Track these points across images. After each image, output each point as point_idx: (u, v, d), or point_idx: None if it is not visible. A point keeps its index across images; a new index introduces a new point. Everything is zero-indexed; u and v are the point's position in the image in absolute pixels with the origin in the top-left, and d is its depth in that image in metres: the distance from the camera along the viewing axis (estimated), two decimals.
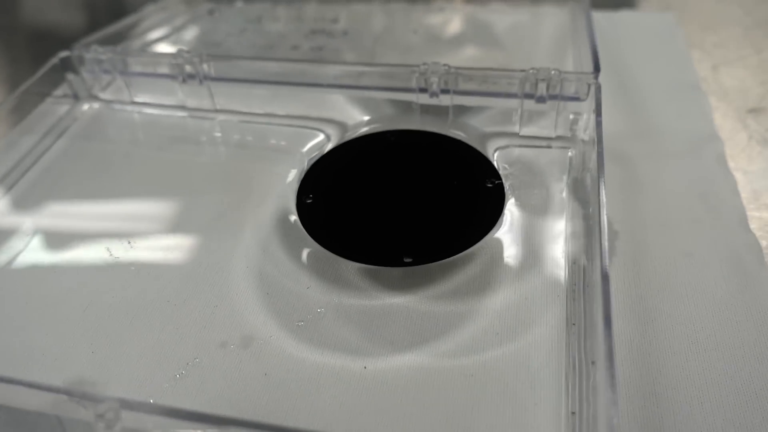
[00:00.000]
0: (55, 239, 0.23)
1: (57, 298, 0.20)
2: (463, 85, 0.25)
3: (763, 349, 0.18)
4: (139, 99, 0.30)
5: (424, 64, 0.25)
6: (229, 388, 0.17)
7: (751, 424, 0.16)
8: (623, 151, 0.25)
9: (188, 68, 0.27)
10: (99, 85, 0.30)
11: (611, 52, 0.32)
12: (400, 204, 0.22)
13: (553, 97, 0.24)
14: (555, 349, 0.18)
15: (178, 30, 0.37)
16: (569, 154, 0.25)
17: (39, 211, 0.24)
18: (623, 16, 0.37)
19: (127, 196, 0.25)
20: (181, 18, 0.38)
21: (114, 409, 0.14)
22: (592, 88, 0.23)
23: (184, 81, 0.28)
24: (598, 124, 0.21)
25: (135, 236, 0.23)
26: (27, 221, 0.24)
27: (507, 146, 0.25)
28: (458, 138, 0.24)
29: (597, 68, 0.24)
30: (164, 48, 0.35)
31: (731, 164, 0.25)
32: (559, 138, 0.25)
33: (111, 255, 0.22)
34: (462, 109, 0.26)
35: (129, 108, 0.30)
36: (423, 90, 0.25)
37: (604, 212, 0.18)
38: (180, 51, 0.27)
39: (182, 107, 0.29)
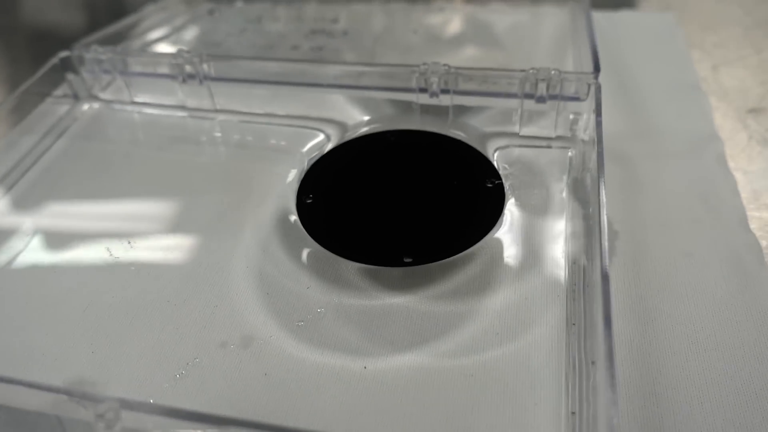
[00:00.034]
0: (55, 239, 0.23)
1: (57, 298, 0.20)
2: (463, 85, 0.25)
3: (763, 349, 0.18)
4: (139, 99, 0.30)
5: (424, 64, 0.25)
6: (229, 388, 0.17)
7: (751, 424, 0.16)
8: (623, 151, 0.25)
9: (188, 68, 0.27)
10: (99, 85, 0.30)
11: (611, 52, 0.32)
12: (400, 204, 0.22)
13: (553, 97, 0.24)
14: (555, 349, 0.18)
15: (178, 30, 0.37)
16: (569, 154, 0.25)
17: (39, 211, 0.24)
18: (623, 16, 0.37)
19: (127, 196, 0.25)
20: (181, 18, 0.38)
21: (114, 409, 0.14)
22: (592, 88, 0.23)
23: (184, 81, 0.28)
24: (598, 124, 0.21)
25: (135, 236, 0.23)
26: (27, 221, 0.24)
27: (507, 146, 0.25)
28: (458, 138, 0.24)
29: (597, 68, 0.24)
30: (164, 48, 0.35)
31: (731, 164, 0.25)
32: (559, 138, 0.25)
33: (111, 255, 0.22)
34: (462, 109, 0.26)
35: (129, 108, 0.30)
36: (423, 90, 0.25)
37: (605, 212, 0.18)
38: (180, 51, 0.27)
39: (182, 107, 0.29)
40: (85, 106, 0.30)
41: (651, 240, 0.22)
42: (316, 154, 0.25)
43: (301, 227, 0.21)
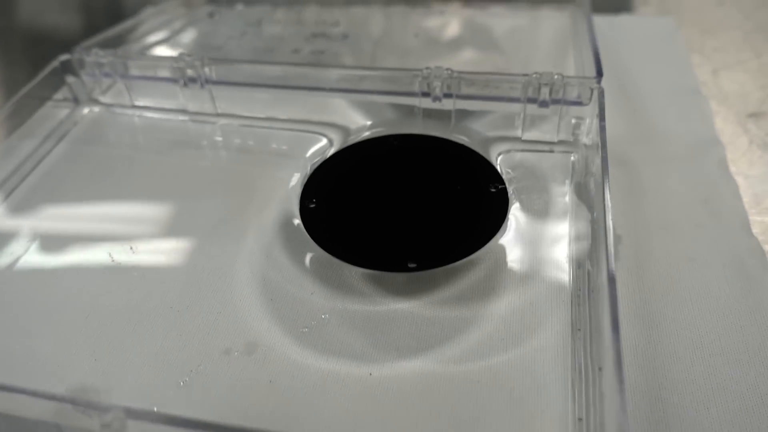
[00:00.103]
0: (56, 244, 0.23)
1: (58, 304, 0.20)
2: (466, 90, 0.25)
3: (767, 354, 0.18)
4: (139, 102, 0.29)
5: (427, 68, 0.25)
6: (233, 395, 0.17)
7: (758, 429, 0.16)
8: (625, 155, 0.25)
9: (189, 72, 0.27)
10: (99, 88, 0.30)
11: (611, 56, 0.32)
12: (404, 209, 0.22)
13: (556, 102, 0.24)
14: (560, 354, 0.18)
15: (178, 33, 0.37)
16: (572, 158, 0.25)
17: (39, 215, 0.24)
18: (623, 20, 0.37)
19: (128, 200, 0.25)
20: (181, 21, 0.38)
21: (120, 419, 0.14)
22: (595, 93, 0.23)
23: (185, 84, 0.28)
24: (602, 128, 0.21)
25: (137, 241, 0.23)
26: (27, 226, 0.24)
27: (509, 150, 0.25)
28: (461, 142, 0.24)
29: (600, 73, 0.24)
30: (165, 51, 0.35)
31: (732, 168, 0.25)
32: (561, 142, 0.25)
33: (113, 260, 0.22)
34: (464, 114, 0.26)
35: (129, 112, 0.29)
36: (426, 94, 0.25)
37: (610, 216, 0.18)
38: (181, 54, 0.27)
39: (183, 111, 0.29)
40: (86, 110, 0.30)
41: (654, 244, 0.22)
42: (318, 159, 0.25)
43: (305, 232, 0.21)
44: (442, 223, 0.21)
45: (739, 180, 0.24)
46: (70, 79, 0.29)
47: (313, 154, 0.26)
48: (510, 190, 0.22)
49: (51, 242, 0.23)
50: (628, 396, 0.17)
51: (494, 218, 0.21)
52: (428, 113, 0.26)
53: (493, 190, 0.22)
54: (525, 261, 0.21)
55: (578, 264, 0.20)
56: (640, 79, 0.30)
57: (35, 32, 0.44)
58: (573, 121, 0.25)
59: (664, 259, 0.21)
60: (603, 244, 0.17)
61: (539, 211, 0.22)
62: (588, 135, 0.24)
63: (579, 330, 0.18)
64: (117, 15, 0.44)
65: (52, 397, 0.16)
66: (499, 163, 0.24)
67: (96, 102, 0.30)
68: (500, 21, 0.36)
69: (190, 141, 0.28)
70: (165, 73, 0.28)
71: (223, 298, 0.20)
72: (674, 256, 0.21)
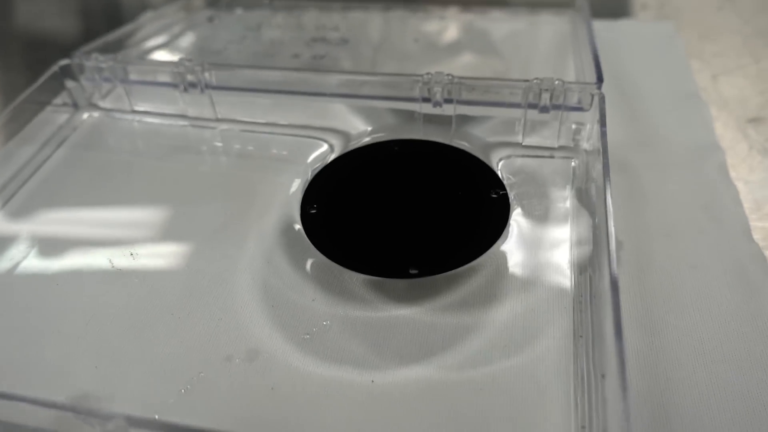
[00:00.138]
0: (56, 251, 0.23)
1: (58, 310, 0.20)
2: (467, 95, 0.25)
3: None
4: (139, 108, 0.29)
5: (428, 73, 0.25)
6: (235, 402, 0.17)
7: None
8: (625, 160, 0.25)
9: (190, 77, 0.27)
10: (99, 93, 0.30)
11: (611, 62, 0.32)
12: (405, 214, 0.22)
13: (557, 107, 0.24)
14: (563, 361, 0.18)
15: (177, 37, 0.37)
16: (572, 164, 0.25)
17: (38, 221, 0.24)
18: (622, 25, 0.37)
19: (128, 206, 0.25)
20: (181, 25, 0.38)
21: (121, 427, 0.14)
22: (596, 98, 0.23)
23: (185, 90, 0.28)
24: (603, 134, 0.21)
25: (137, 247, 0.22)
26: (26, 232, 0.23)
27: (510, 156, 0.25)
28: (462, 148, 0.24)
29: (600, 78, 0.24)
30: (164, 56, 0.35)
31: (733, 174, 0.25)
32: (561, 148, 0.25)
33: (113, 266, 0.22)
34: (464, 119, 0.26)
35: (129, 117, 0.29)
36: (426, 99, 0.25)
37: (612, 222, 0.18)
38: (181, 59, 0.27)
39: (183, 116, 0.29)
40: (85, 115, 0.30)
41: (655, 250, 0.22)
42: (319, 164, 0.25)
43: (306, 238, 0.21)
44: (444, 229, 0.21)
45: (740, 185, 0.24)
46: (69, 84, 0.29)
47: (314, 159, 0.26)
48: (511, 195, 0.22)
49: (50, 248, 0.23)
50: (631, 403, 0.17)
51: (495, 224, 0.21)
52: (429, 119, 0.26)
53: (494, 195, 0.22)
54: (526, 267, 0.21)
55: (580, 270, 0.20)
56: (640, 85, 0.30)
57: (33, 37, 0.44)
58: (573, 126, 0.25)
59: (665, 265, 0.21)
60: (605, 250, 0.17)
61: (540, 217, 0.22)
62: (588, 140, 0.25)
63: (581, 336, 0.18)
64: (115, 19, 0.44)
65: (52, 405, 0.15)
66: (499, 168, 0.24)
67: (95, 107, 0.30)
68: (499, 26, 0.36)
69: (190, 146, 0.28)
70: (165, 78, 0.28)
71: (224, 304, 0.20)
72: (675, 262, 0.21)
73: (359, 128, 0.27)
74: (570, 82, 0.24)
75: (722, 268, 0.21)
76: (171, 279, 0.21)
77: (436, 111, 0.26)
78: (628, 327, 0.19)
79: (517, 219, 0.22)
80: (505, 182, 0.23)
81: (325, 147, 0.26)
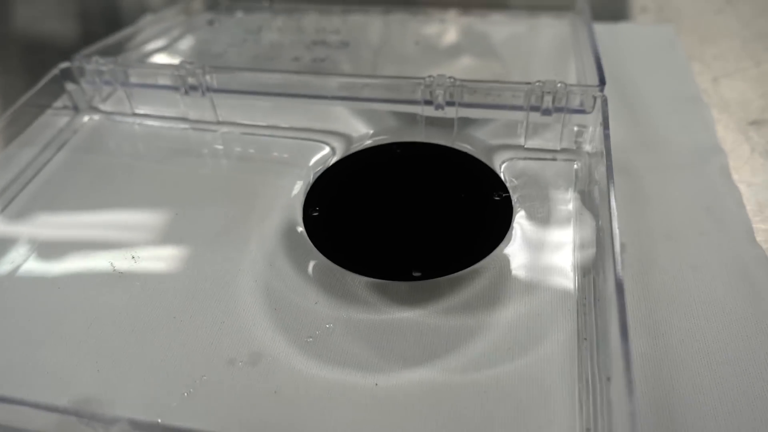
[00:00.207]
0: (57, 254, 0.22)
1: (60, 314, 0.20)
2: (469, 98, 0.25)
3: None
4: (140, 110, 0.29)
5: (430, 76, 0.25)
6: (238, 406, 0.17)
7: None
8: (627, 163, 0.25)
9: (191, 80, 0.27)
10: (99, 96, 0.30)
11: (612, 64, 0.32)
12: (408, 217, 0.22)
13: (559, 110, 0.24)
14: (567, 364, 0.18)
15: (178, 40, 0.37)
16: (575, 166, 0.25)
17: (39, 224, 0.24)
18: (622, 28, 0.37)
19: (129, 209, 0.25)
20: (181, 28, 0.38)
21: (125, 431, 0.14)
22: (598, 101, 0.23)
23: (186, 92, 0.27)
24: (606, 137, 0.21)
25: (138, 250, 0.22)
26: (27, 235, 0.23)
27: (512, 158, 0.25)
28: (464, 150, 0.24)
29: (602, 81, 0.24)
30: (165, 59, 0.35)
31: (735, 176, 0.25)
32: (564, 150, 0.25)
33: (114, 270, 0.22)
34: (466, 122, 0.26)
35: (130, 120, 0.29)
36: (428, 102, 0.25)
37: (616, 224, 0.18)
38: (182, 62, 0.27)
39: (184, 119, 0.29)
40: (86, 118, 0.30)
41: (658, 253, 0.22)
42: (320, 167, 0.25)
43: (308, 240, 0.21)
44: (447, 231, 0.21)
45: (742, 188, 0.24)
46: (69, 86, 0.29)
47: (316, 162, 0.26)
48: (514, 198, 0.22)
49: (51, 251, 0.23)
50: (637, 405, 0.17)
51: (499, 227, 0.21)
52: (431, 121, 0.26)
53: (497, 198, 0.22)
54: (530, 269, 0.21)
55: (583, 272, 0.20)
56: (641, 87, 0.30)
57: (32, 39, 0.44)
58: (575, 129, 0.25)
59: (668, 267, 0.21)
60: (609, 252, 0.17)
61: (543, 220, 0.22)
62: (591, 143, 0.25)
63: (585, 339, 0.18)
64: (114, 23, 0.44)
65: (55, 409, 0.15)
66: (502, 171, 0.24)
67: (96, 110, 0.30)
68: (500, 29, 0.37)
69: (191, 149, 0.28)
70: (166, 80, 0.28)
71: (227, 307, 0.20)
72: (679, 265, 0.21)
73: (361, 131, 0.27)
74: (572, 85, 0.24)
75: (726, 270, 0.21)
76: (173, 282, 0.21)
77: (438, 114, 0.26)
78: (631, 329, 0.19)
79: (520, 221, 0.22)
80: (507, 185, 0.23)
81: (326, 150, 0.26)
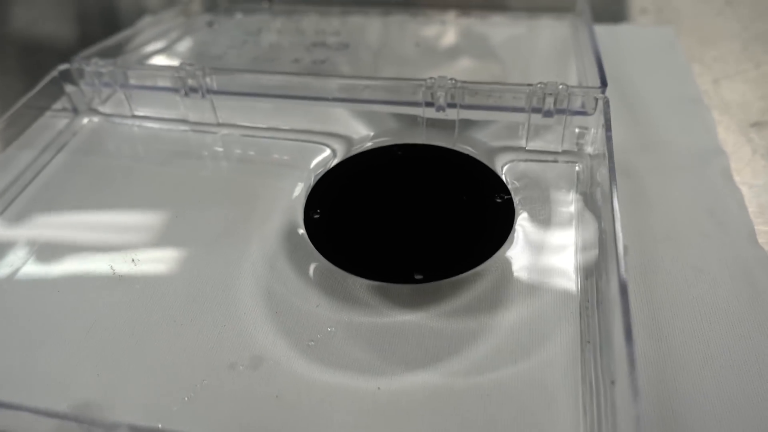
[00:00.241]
0: (56, 257, 0.22)
1: (59, 317, 0.20)
2: (470, 99, 0.25)
3: None
4: (139, 112, 0.29)
5: (431, 78, 0.25)
6: (239, 411, 0.17)
7: None
8: (628, 164, 0.25)
9: (191, 81, 0.27)
10: (99, 98, 0.29)
11: (612, 66, 0.32)
12: (410, 219, 0.21)
13: (561, 112, 0.24)
14: (570, 367, 0.18)
15: (177, 42, 0.37)
16: (576, 168, 0.24)
17: (38, 227, 0.24)
18: (622, 29, 0.37)
19: (129, 212, 0.24)
20: (180, 30, 0.38)
21: None
22: (600, 103, 0.23)
23: (186, 94, 0.27)
24: (609, 138, 0.21)
25: (138, 253, 0.22)
26: (26, 238, 0.23)
27: (514, 160, 0.25)
28: (466, 152, 0.24)
29: (604, 82, 0.24)
30: (164, 60, 0.35)
31: (737, 178, 0.25)
32: (565, 152, 0.25)
33: (114, 272, 0.21)
34: (467, 123, 0.26)
35: (129, 122, 0.29)
36: (429, 104, 0.25)
37: (619, 225, 0.18)
38: (182, 64, 0.27)
39: (184, 121, 0.28)
40: (85, 120, 0.29)
41: (660, 255, 0.21)
42: (321, 169, 0.25)
43: (309, 243, 0.21)
44: (449, 233, 0.21)
45: (744, 190, 0.24)
46: (69, 88, 0.29)
47: (317, 164, 0.26)
48: (516, 200, 0.22)
49: (50, 254, 0.22)
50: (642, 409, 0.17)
51: (500, 229, 0.21)
52: (431, 123, 0.26)
53: (498, 200, 0.22)
54: (532, 272, 0.20)
55: (586, 275, 0.20)
56: (642, 89, 0.30)
57: (30, 41, 0.43)
58: (576, 130, 0.25)
59: (671, 269, 0.21)
60: (612, 254, 0.17)
61: (545, 222, 0.22)
62: (592, 145, 0.24)
63: (588, 342, 0.18)
64: (112, 24, 0.44)
65: (54, 415, 0.15)
66: (504, 173, 0.24)
67: (95, 112, 0.30)
68: (500, 30, 0.37)
69: (191, 151, 0.27)
70: (166, 82, 0.28)
71: (228, 311, 0.20)
72: (681, 267, 0.21)
73: (361, 133, 0.27)
74: (574, 87, 0.24)
75: (728, 272, 0.21)
76: (173, 285, 0.21)
77: (439, 115, 0.26)
78: (634, 331, 0.19)
79: (522, 224, 0.22)
80: (509, 187, 0.23)
81: (327, 152, 0.26)
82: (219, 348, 0.19)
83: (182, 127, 0.28)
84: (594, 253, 0.20)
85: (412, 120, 0.26)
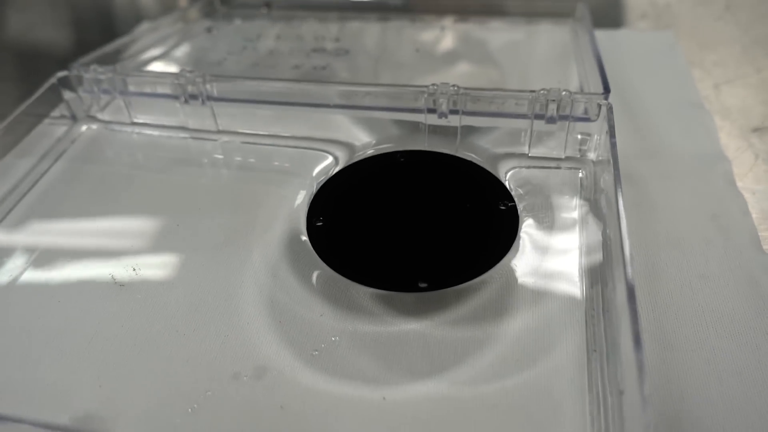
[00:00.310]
0: (56, 266, 0.22)
1: (60, 327, 0.20)
2: (472, 106, 0.25)
3: None
4: (139, 119, 0.29)
5: (433, 84, 0.25)
6: (243, 422, 0.17)
7: None
8: (631, 170, 0.25)
9: (191, 88, 0.27)
10: (97, 105, 0.29)
11: (612, 71, 0.32)
12: (413, 227, 0.21)
13: (564, 118, 0.24)
14: (577, 376, 0.18)
15: (176, 48, 0.37)
16: (580, 174, 0.24)
17: (37, 235, 0.24)
18: (622, 34, 0.37)
19: (129, 219, 0.24)
20: (179, 36, 0.38)
21: None
22: (603, 109, 0.23)
23: (186, 101, 0.27)
24: (613, 145, 0.21)
25: (139, 262, 0.22)
26: (25, 246, 0.23)
27: (517, 167, 0.25)
28: (469, 159, 0.24)
29: (607, 88, 0.24)
30: (163, 67, 0.35)
31: (739, 184, 0.25)
32: (568, 159, 0.25)
33: (115, 282, 0.21)
34: (469, 130, 0.26)
35: (128, 129, 0.29)
36: (431, 110, 0.25)
37: (626, 232, 0.18)
38: (182, 71, 0.27)
39: (184, 128, 0.28)
40: (84, 127, 0.29)
41: (665, 262, 0.21)
42: (323, 177, 0.24)
43: (312, 251, 0.21)
44: (453, 241, 0.21)
45: (747, 195, 0.24)
46: (67, 95, 0.29)
47: (319, 171, 0.25)
48: (519, 207, 0.22)
49: (50, 263, 0.22)
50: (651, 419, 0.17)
51: (505, 236, 0.21)
52: (434, 129, 0.26)
53: (502, 207, 0.22)
54: (537, 280, 0.20)
55: (591, 282, 0.20)
56: (643, 94, 0.30)
57: (26, 48, 0.43)
58: (579, 137, 0.25)
59: (675, 276, 0.21)
60: (619, 261, 0.17)
61: (549, 229, 0.22)
62: (595, 151, 0.24)
63: (595, 351, 0.18)
64: (109, 31, 0.43)
65: (55, 428, 0.15)
66: (507, 179, 0.24)
67: (94, 119, 0.29)
68: (499, 35, 0.37)
69: (191, 158, 0.27)
70: (165, 89, 0.27)
71: (231, 320, 0.20)
72: (686, 274, 0.21)
73: (363, 139, 0.27)
74: (577, 93, 0.24)
75: (733, 279, 0.21)
76: (175, 294, 0.21)
77: (442, 122, 0.25)
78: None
79: (526, 231, 0.22)
80: (513, 194, 0.23)
81: (329, 159, 0.26)
82: (222, 358, 0.18)
83: (182, 134, 0.28)
84: (599, 260, 0.20)
85: (414, 127, 0.26)
